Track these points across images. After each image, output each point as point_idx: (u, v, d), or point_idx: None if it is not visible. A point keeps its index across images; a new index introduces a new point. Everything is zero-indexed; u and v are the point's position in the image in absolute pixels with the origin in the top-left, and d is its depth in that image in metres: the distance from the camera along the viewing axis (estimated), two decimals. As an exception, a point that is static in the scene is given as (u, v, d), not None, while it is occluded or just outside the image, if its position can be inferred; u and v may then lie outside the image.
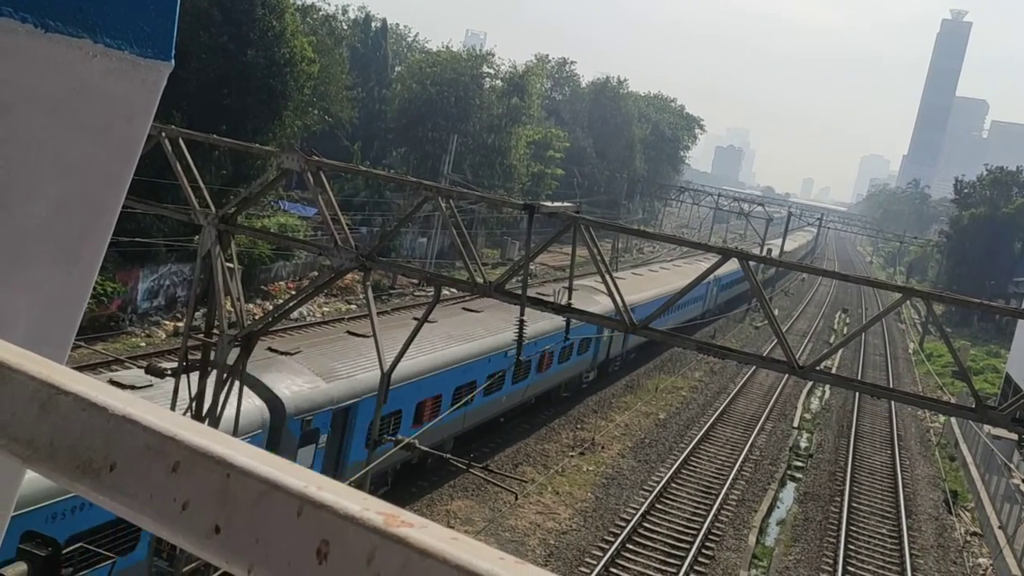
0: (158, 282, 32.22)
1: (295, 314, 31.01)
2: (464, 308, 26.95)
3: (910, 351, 64.61)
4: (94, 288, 1.11)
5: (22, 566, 9.33)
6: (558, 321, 21.70)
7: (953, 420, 38.61)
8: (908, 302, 12.46)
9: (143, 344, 28.86)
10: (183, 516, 0.70)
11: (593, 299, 26.85)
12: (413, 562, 0.59)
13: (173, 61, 1.07)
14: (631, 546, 21.64)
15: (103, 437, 0.77)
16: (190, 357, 12.91)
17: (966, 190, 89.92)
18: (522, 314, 13.66)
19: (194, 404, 12.63)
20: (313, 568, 0.63)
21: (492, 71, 63.14)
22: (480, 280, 12.17)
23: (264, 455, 0.71)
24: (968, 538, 27.15)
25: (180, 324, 29.70)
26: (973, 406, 10.73)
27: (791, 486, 29.04)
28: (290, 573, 0.64)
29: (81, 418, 0.79)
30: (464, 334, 23.99)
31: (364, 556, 0.61)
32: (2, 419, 0.83)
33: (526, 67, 68.61)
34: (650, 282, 40.25)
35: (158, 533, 0.74)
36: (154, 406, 0.79)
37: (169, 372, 12.90)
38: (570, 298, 12.41)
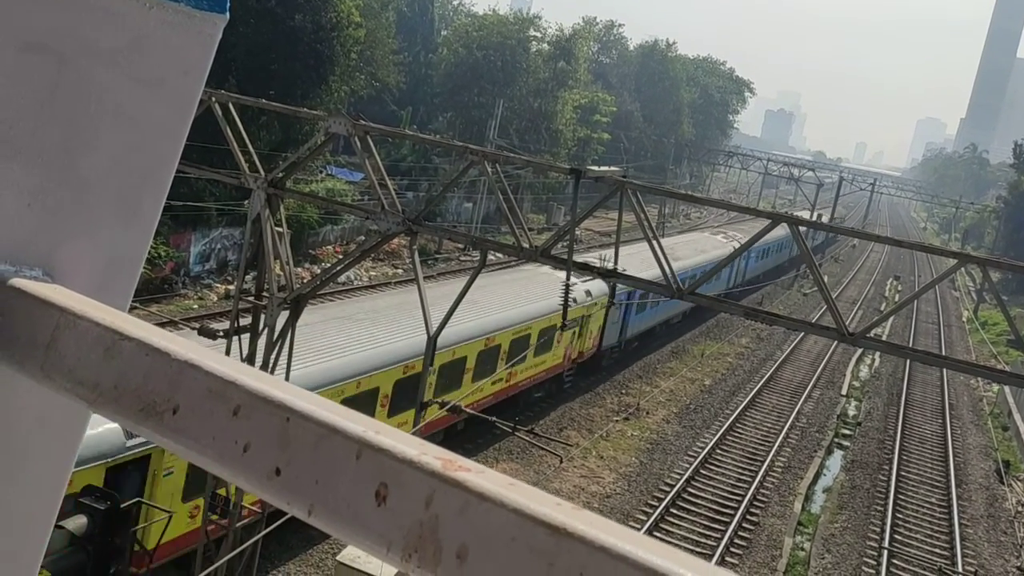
0: (210, 246, 32.73)
1: (342, 278, 31.32)
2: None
3: (964, 319, 63.33)
4: (148, 251, 1.14)
5: (82, 519, 9.63)
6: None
7: (1007, 389, 37.86)
8: (963, 269, 12.14)
9: (195, 307, 29.42)
10: (244, 458, 0.71)
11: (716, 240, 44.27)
12: (471, 505, 0.59)
13: (228, 14, 1.07)
14: (675, 511, 21.69)
15: (166, 381, 0.78)
16: (241, 320, 13.15)
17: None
18: (568, 279, 13.61)
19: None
20: (372, 510, 0.64)
21: (539, 35, 62.37)
22: (526, 245, 12.15)
23: (323, 401, 0.73)
24: (1020, 508, 26.73)
25: (231, 287, 30.19)
26: (1029, 375, 10.51)
27: (838, 454, 28.78)
28: (350, 514, 0.65)
29: (144, 362, 0.81)
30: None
31: (423, 499, 0.61)
32: (68, 363, 0.86)
33: (573, 30, 67.65)
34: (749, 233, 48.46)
35: (220, 474, 0.75)
36: (215, 352, 0.81)
37: (221, 334, 13.16)
38: (616, 262, 12.33)
